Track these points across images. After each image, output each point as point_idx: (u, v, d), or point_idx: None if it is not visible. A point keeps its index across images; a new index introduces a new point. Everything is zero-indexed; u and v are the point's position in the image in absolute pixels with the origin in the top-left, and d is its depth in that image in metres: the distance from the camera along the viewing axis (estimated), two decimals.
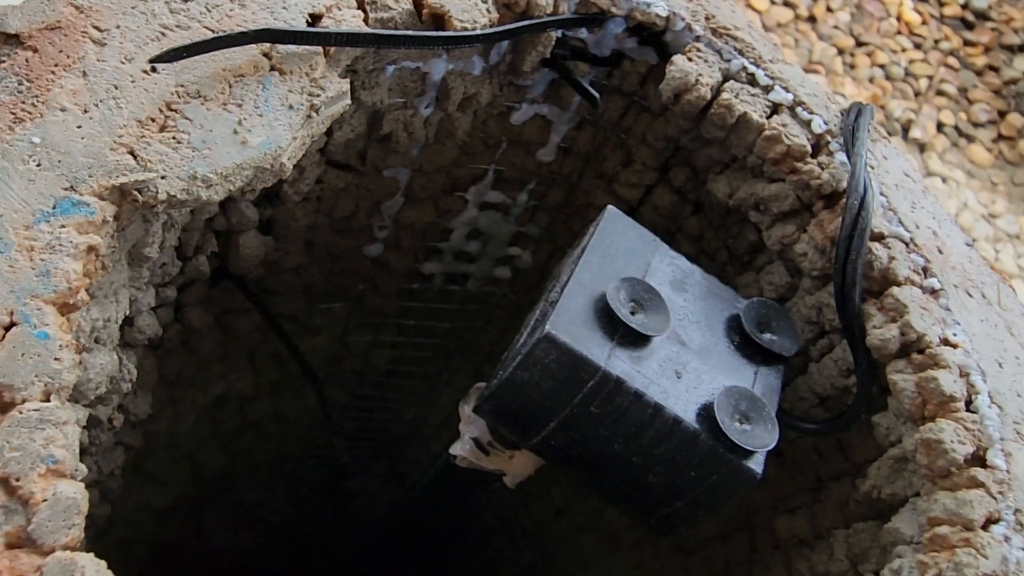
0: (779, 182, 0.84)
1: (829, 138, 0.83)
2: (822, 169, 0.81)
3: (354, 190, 1.01)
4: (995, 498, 0.65)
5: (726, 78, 0.87)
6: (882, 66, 3.52)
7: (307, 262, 1.10)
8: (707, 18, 0.89)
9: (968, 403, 0.70)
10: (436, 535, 1.95)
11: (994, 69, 3.50)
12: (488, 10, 0.83)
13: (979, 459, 0.68)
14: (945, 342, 0.72)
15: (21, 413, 0.56)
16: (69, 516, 0.53)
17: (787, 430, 0.92)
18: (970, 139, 3.44)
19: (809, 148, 0.83)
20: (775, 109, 0.85)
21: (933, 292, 0.75)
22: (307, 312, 1.23)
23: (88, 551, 1.05)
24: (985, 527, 0.64)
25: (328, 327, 1.31)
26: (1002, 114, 3.38)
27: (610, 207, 0.82)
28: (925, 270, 0.76)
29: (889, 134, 3.44)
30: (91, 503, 0.98)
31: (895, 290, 0.75)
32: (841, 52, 3.50)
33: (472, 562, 1.96)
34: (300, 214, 0.98)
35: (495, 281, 1.29)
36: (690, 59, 0.86)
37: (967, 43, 3.56)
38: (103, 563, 0.53)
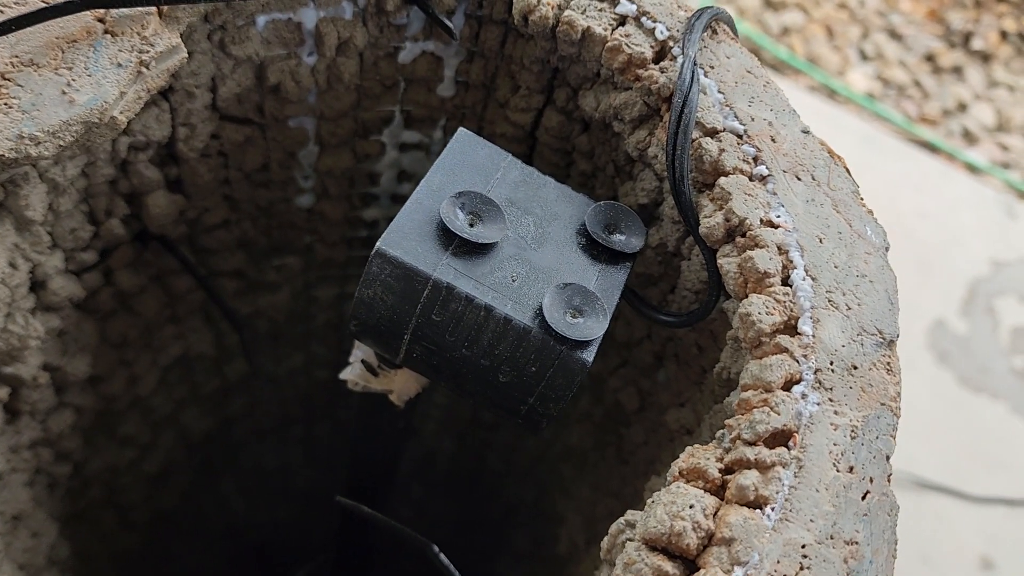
0: (627, 90, 0.87)
1: (672, 44, 0.86)
2: (662, 73, 0.84)
3: (260, 142, 1.06)
4: (798, 361, 0.68)
5: None
6: None
7: (235, 217, 1.15)
8: None
9: (785, 279, 0.73)
10: (453, 485, 2.00)
11: None
12: None
13: (790, 328, 0.71)
14: (769, 224, 0.75)
15: None
16: None
17: (656, 326, 0.96)
18: None
19: (651, 55, 0.86)
20: (622, 21, 0.88)
21: (762, 179, 0.78)
22: (256, 268, 1.28)
23: (59, 507, 1.11)
24: (786, 388, 0.67)
25: (287, 282, 1.36)
26: None
27: (461, 128, 0.86)
28: (756, 159, 0.79)
29: (952, 46, 3.37)
30: (47, 461, 1.05)
31: (722, 180, 0.77)
32: None
33: (489, 506, 2.00)
34: (204, 170, 1.03)
35: None
36: None
37: None
38: None
